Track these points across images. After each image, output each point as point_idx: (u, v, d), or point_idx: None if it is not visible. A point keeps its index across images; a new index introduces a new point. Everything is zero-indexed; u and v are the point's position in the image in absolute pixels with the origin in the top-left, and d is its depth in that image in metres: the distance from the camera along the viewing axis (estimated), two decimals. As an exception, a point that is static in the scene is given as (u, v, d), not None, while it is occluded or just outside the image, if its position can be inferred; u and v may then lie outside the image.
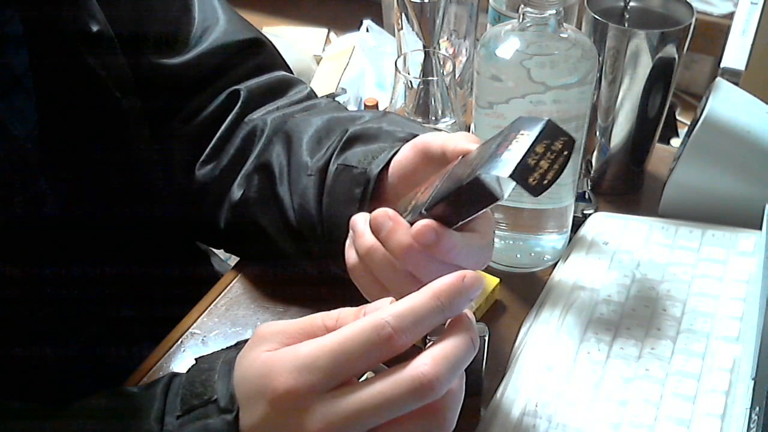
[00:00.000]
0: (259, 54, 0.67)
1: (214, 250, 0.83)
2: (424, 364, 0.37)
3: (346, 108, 0.67)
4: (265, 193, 0.59)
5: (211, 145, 0.64)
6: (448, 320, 0.40)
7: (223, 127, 0.64)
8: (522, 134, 0.40)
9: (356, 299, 0.46)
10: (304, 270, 0.61)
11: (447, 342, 0.38)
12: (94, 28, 0.56)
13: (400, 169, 0.53)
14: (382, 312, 0.38)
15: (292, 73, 0.71)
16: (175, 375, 0.44)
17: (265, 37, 0.69)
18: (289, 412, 0.38)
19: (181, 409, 0.41)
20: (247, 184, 0.61)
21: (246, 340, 0.44)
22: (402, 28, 0.76)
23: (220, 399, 0.40)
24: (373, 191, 0.53)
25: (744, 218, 0.66)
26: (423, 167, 0.51)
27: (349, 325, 0.39)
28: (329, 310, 0.58)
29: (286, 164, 0.59)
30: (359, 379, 0.39)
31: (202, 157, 0.64)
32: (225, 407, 0.40)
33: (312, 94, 0.68)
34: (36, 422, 0.44)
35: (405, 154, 0.53)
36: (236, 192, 0.62)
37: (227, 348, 0.44)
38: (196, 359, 0.45)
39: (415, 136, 0.54)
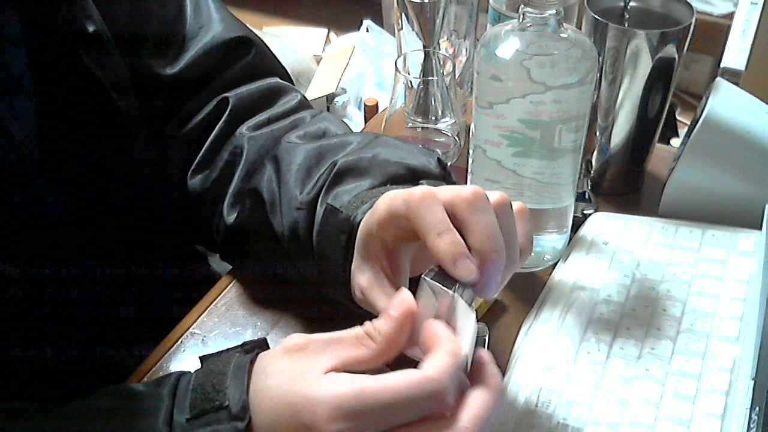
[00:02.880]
0: (247, 54, 0.67)
1: (213, 250, 0.83)
2: None
3: (341, 120, 0.66)
4: (259, 221, 0.59)
5: (200, 155, 0.64)
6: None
7: (211, 137, 0.64)
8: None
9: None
10: (304, 270, 0.61)
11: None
12: (91, 29, 0.56)
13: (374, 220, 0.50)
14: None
15: (286, 72, 0.71)
16: (181, 375, 0.44)
17: (255, 35, 0.69)
18: None
19: (190, 413, 0.41)
20: (240, 208, 0.61)
21: (253, 340, 0.44)
22: (402, 28, 0.76)
23: (232, 406, 0.40)
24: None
25: (744, 218, 0.66)
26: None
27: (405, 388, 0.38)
28: (329, 308, 0.58)
29: (277, 193, 0.58)
30: None
31: (193, 166, 0.64)
32: (237, 414, 0.40)
33: (302, 104, 0.67)
34: (36, 422, 0.44)
35: (378, 208, 0.49)
36: (229, 214, 0.62)
37: (235, 350, 0.44)
38: (201, 359, 0.44)
39: (408, 166, 0.55)
